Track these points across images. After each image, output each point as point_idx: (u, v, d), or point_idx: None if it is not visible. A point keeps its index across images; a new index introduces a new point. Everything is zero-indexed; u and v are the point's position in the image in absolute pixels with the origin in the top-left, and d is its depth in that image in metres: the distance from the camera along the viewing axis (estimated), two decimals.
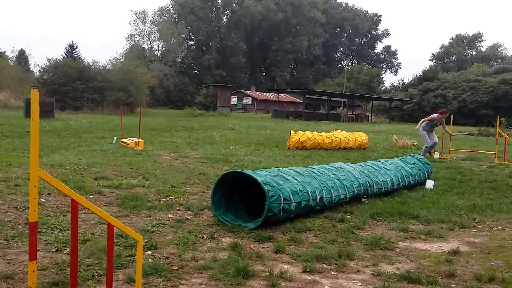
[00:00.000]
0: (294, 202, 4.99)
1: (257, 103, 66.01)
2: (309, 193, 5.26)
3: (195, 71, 77.74)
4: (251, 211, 5.20)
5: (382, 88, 79.67)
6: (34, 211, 2.02)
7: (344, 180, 6.01)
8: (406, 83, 71.02)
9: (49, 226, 4.43)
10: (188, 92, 63.59)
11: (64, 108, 30.74)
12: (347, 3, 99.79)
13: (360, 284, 3.43)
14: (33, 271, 1.99)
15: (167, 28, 66.77)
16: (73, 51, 57.08)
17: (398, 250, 4.30)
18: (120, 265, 3.50)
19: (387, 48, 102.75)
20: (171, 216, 5.16)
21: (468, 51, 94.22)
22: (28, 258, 2.00)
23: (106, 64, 40.49)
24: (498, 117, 13.75)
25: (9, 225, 4.46)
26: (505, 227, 5.38)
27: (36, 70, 47.35)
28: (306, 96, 54.60)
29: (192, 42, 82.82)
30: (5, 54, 49.01)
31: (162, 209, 5.43)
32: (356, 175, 6.30)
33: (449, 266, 3.80)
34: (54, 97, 27.66)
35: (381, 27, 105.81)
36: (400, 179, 7.13)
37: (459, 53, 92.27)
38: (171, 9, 78.19)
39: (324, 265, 3.80)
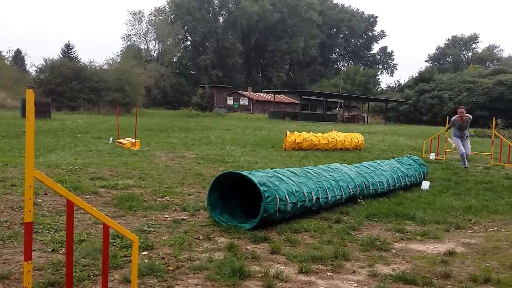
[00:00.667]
0: (290, 203, 4.99)
1: (254, 104, 66.03)
2: (305, 193, 5.26)
3: (192, 72, 77.71)
4: (247, 211, 5.20)
5: (378, 89, 79.89)
6: (30, 211, 2.01)
7: (340, 181, 6.02)
8: (402, 84, 71.34)
9: (45, 226, 4.42)
10: (184, 92, 63.47)
11: (60, 108, 30.64)
12: (344, 4, 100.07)
13: (356, 285, 3.44)
14: (29, 271, 1.98)
15: (164, 28, 66.66)
16: (70, 51, 56.91)
17: (393, 251, 4.31)
18: (116, 265, 3.50)
19: (383, 49, 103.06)
20: (167, 216, 5.16)
21: (464, 52, 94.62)
22: (24, 259, 2.00)
23: (103, 64, 40.38)
24: (494, 118, 13.81)
25: (5, 225, 4.44)
26: (501, 228, 5.40)
27: (32, 70, 47.23)
28: (303, 96, 54.66)
29: (189, 43, 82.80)
30: (1, 54, 48.74)
31: (158, 209, 5.43)
32: (352, 176, 6.32)
33: (445, 267, 3.81)
34: (50, 97, 27.58)
35: (378, 28, 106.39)
36: (396, 180, 7.15)
37: (455, 54, 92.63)
38: (168, 9, 78.11)
39: (320, 265, 3.81)
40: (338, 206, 5.88)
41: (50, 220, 4.66)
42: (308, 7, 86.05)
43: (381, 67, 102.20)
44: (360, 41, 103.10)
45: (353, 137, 15.00)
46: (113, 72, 37.07)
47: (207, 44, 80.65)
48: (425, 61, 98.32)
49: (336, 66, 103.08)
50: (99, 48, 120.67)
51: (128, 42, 69.51)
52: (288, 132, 14.00)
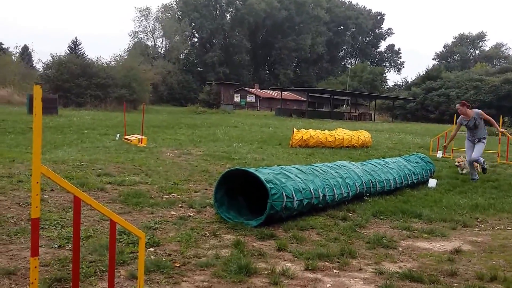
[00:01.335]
0: (297, 200, 4.98)
1: (261, 101, 65.95)
2: (312, 191, 5.25)
3: (199, 69, 77.73)
4: (254, 208, 5.20)
5: (386, 87, 79.44)
6: (37, 207, 2.01)
7: (347, 179, 5.99)
8: (409, 82, 70.87)
9: (52, 222, 4.44)
10: (191, 89, 63.59)
11: (67, 105, 30.78)
12: (351, 2, 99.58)
13: (362, 282, 3.42)
14: (35, 267, 1.99)
15: (171, 25, 66.76)
16: (77, 48, 57.21)
17: (400, 249, 4.29)
18: (122, 261, 3.51)
19: (391, 47, 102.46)
20: (174, 213, 5.17)
21: (471, 50, 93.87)
22: (31, 254, 2.00)
23: (110, 60, 40.51)
24: (502, 116, 13.68)
25: (12, 221, 4.47)
26: (508, 226, 5.36)
27: (39, 66, 47.40)
28: (310, 94, 54.53)
29: (196, 40, 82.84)
30: (9, 50, 49.09)
31: (164, 206, 5.44)
32: (359, 173, 6.29)
33: (451, 265, 3.79)
34: (57, 94, 27.71)
35: (385, 26, 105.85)
36: (402, 178, 7.11)
37: (462, 53, 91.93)
38: (175, 6, 78.18)
39: (326, 263, 3.80)
40: (344, 203, 5.86)
41: (56, 216, 4.68)
42: (315, 4, 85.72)
43: (388, 64, 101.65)
44: (367, 38, 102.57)
45: (360, 134, 14.94)
46: (120, 69, 37.17)
47: (214, 41, 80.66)
48: (432, 59, 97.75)
49: (343, 63, 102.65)
50: (106, 45, 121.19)
51: (135, 39, 69.74)
52: (295, 129, 13.97)
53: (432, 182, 7.75)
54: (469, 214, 5.87)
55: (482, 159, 8.59)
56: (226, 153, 10.95)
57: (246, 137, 15.74)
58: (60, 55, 36.46)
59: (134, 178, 7.07)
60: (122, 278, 3.24)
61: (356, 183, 6.08)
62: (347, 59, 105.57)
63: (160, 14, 70.80)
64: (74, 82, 32.64)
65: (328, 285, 3.33)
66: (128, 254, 3.67)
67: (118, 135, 12.98)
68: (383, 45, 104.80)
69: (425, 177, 7.87)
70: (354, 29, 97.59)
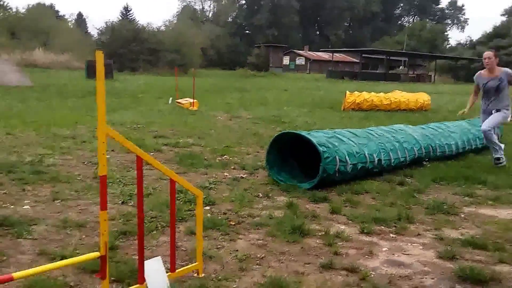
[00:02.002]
0: (350, 164, 4.89)
1: (311, 63, 64.59)
2: (366, 155, 5.12)
3: (247, 32, 76.94)
4: (306, 172, 5.17)
5: (447, 46, 74.75)
6: (104, 165, 2.11)
7: (404, 143, 5.78)
8: (474, 40, 66.08)
9: (115, 180, 4.67)
10: (239, 53, 63.26)
11: (121, 70, 31.78)
12: None
13: (421, 247, 3.34)
14: (104, 220, 2.10)
15: None
16: (128, 13, 58.19)
17: (462, 215, 4.12)
18: (181, 218, 3.64)
19: (453, 3, 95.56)
20: (227, 174, 5.25)
21: None
22: (100, 208, 2.11)
23: (160, 26, 41.08)
24: None
25: (78, 178, 4.75)
26: None
27: (94, 32, 48.90)
28: (363, 55, 52.52)
29: (244, 2, 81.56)
30: (64, 17, 50.89)
31: (218, 167, 5.54)
32: (417, 137, 6.04)
33: None
34: (112, 59, 28.61)
35: None
36: (465, 143, 6.73)
37: None
38: None
39: (383, 227, 3.73)
40: (401, 168, 5.68)
41: (119, 175, 4.91)
42: None
43: (450, 22, 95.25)
44: None
45: (418, 97, 14.33)
46: (170, 34, 37.65)
47: (262, 2, 78.95)
48: (501, 15, 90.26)
49: (399, 22, 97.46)
50: (156, 10, 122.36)
51: (184, 3, 69.86)
52: (347, 92, 13.60)
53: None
54: None
55: (495, 136, 6.07)
56: (276, 116, 10.90)
57: (296, 101, 15.56)
58: (113, 21, 37.44)
59: (187, 140, 7.24)
60: (182, 233, 3.37)
61: (414, 148, 5.85)
62: (404, 17, 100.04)
63: None
64: (127, 47, 33.50)
65: (384, 249, 3.28)
66: (185, 212, 3.80)
67: (171, 99, 13.26)
68: (444, 1, 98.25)
69: None
70: None
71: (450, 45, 76.46)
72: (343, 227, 3.69)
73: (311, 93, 20.27)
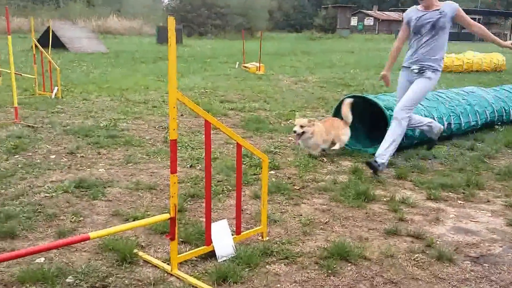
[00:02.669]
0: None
1: (379, 24, 61.30)
2: (435, 119, 4.92)
3: None
4: (372, 136, 5.09)
5: None
6: (174, 129, 2.20)
7: (476, 106, 5.48)
8: None
9: (183, 144, 4.91)
10: (306, 14, 61.47)
11: (190, 34, 32.39)
12: None
13: (490, 214, 3.23)
14: (174, 182, 2.23)
15: None
16: None
17: None
18: (246, 182, 3.78)
19: None
20: (292, 139, 5.31)
21: None
22: (170, 171, 2.24)
23: None
24: None
25: (149, 142, 5.05)
26: None
27: None
28: None
29: None
30: None
31: (283, 132, 5.62)
32: (489, 100, 5.69)
33: None
34: (181, 24, 29.21)
35: None
36: None
37: None
38: None
39: (450, 193, 3.64)
40: (472, 132, 5.42)
41: (187, 139, 5.15)
42: None
43: None
44: None
45: (492, 57, 13.34)
46: None
47: None
48: None
49: None
50: None
51: None
52: None
53: None
54: None
55: (415, 117, 4.26)
56: (343, 79, 10.67)
57: (363, 63, 15.03)
58: None
59: (253, 104, 7.35)
60: (247, 197, 3.51)
61: (486, 111, 5.53)
62: None
63: None
64: (196, 12, 33.98)
65: (451, 215, 3.22)
66: (251, 176, 3.93)
67: (238, 63, 13.38)
68: None
69: None
70: None
71: None
72: (409, 193, 3.65)
73: (379, 54, 19.42)
